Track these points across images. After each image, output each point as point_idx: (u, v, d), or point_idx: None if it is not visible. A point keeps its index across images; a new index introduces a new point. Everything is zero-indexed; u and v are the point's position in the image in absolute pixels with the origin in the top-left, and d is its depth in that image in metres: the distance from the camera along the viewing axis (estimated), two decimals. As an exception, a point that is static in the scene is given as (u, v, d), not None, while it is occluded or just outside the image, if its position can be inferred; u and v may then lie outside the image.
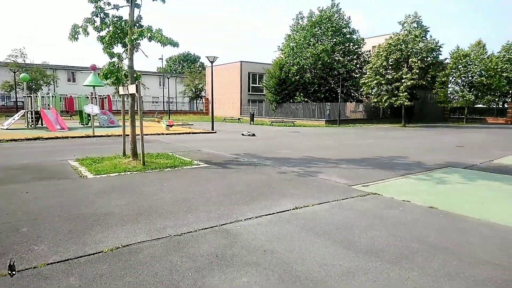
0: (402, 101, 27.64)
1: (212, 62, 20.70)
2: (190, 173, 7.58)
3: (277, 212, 4.84)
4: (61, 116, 20.65)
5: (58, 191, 5.85)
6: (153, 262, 3.27)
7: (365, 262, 3.33)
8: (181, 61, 74.45)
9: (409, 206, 5.26)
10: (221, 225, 4.30)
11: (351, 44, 33.77)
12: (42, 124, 20.39)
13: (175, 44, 7.71)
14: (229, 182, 6.73)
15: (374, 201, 5.56)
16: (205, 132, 19.67)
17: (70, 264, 3.19)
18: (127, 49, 8.14)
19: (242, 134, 17.61)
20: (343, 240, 3.90)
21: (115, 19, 8.11)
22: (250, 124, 30.07)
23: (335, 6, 33.41)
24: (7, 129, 18.52)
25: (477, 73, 34.32)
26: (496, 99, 38.90)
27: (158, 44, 7.50)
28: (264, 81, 37.57)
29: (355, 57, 34.36)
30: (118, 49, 8.31)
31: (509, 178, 7.52)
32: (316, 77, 33.52)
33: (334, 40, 32.63)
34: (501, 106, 40.81)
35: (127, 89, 8.22)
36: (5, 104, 43.30)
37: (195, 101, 55.48)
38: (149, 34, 7.42)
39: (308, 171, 7.95)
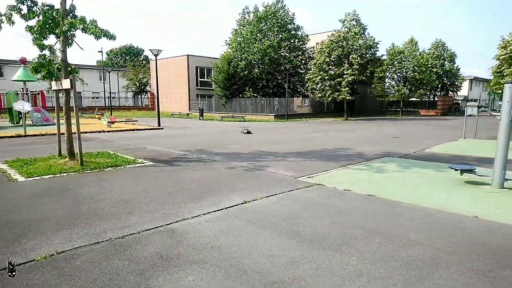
0: (344, 96, 29.05)
1: (156, 55, 19.97)
2: (133, 172, 7.27)
3: (225, 208, 4.83)
4: (-14, 114, 18.66)
5: (-18, 198, 5.28)
6: (92, 267, 3.08)
7: (309, 251, 3.45)
8: (123, 54, 70.76)
9: (350, 195, 5.54)
10: (167, 224, 4.18)
11: (296, 40, 34.59)
12: (-38, 124, 18.25)
13: (111, 37, 7.26)
14: (176, 180, 6.57)
15: (318, 191, 5.78)
16: (151, 129, 19.00)
17: (-5, 277, 2.90)
18: (59, 41, 7.54)
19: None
20: (289, 230, 4.00)
21: (46, 7, 7.44)
22: (200, 119, 29.63)
23: (280, 2, 33.95)
24: None
25: (411, 69, 37.22)
26: (428, 93, 42.50)
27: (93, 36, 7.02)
28: (212, 75, 37.09)
29: (300, 53, 35.27)
30: (51, 40, 7.68)
31: (438, 165, 8.24)
32: (264, 73, 33.89)
33: (280, 36, 33.20)
34: (432, 99, 44.64)
35: (61, 84, 7.63)
36: None
37: (139, 96, 53.15)
38: (81, 26, 6.90)
39: (257, 165, 8.03)
